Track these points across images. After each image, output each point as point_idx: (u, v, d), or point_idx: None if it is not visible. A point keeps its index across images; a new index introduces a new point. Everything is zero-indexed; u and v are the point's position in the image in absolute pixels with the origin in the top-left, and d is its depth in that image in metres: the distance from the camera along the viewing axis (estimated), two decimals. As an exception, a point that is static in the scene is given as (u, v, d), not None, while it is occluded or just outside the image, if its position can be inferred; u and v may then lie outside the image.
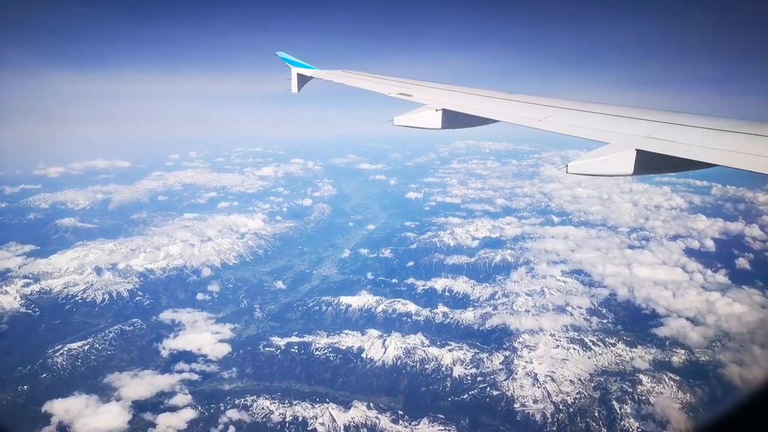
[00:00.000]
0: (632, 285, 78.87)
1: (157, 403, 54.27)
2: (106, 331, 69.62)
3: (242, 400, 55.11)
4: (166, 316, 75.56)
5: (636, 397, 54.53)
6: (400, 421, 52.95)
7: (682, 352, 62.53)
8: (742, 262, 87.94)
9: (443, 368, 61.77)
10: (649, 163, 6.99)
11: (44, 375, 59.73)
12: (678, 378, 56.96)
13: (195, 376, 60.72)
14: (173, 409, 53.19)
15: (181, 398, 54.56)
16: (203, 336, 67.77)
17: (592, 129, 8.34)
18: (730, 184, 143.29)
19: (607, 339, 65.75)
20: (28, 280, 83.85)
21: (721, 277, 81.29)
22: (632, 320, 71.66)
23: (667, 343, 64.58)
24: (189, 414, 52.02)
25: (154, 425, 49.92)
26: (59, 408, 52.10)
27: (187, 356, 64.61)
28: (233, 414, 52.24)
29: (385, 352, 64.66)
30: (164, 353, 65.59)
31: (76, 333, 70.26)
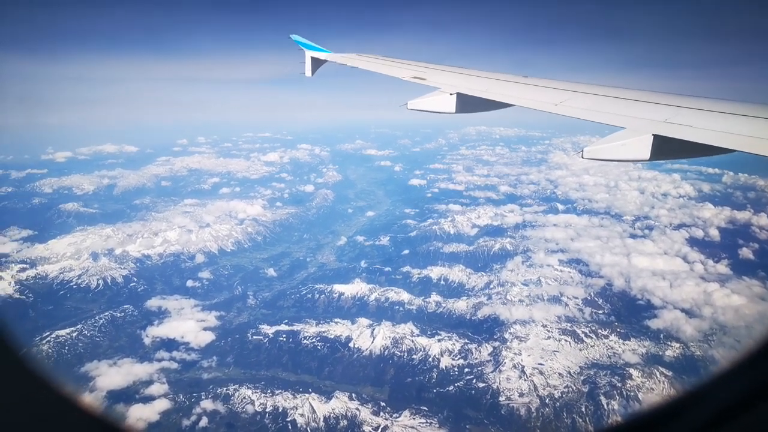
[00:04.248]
0: (629, 275, 76.94)
1: (133, 393, 53.62)
2: (97, 317, 69.46)
3: (224, 389, 54.51)
4: (153, 303, 74.79)
5: (624, 393, 53.13)
6: (381, 413, 52.15)
7: (677, 345, 60.86)
8: (746, 252, 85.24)
9: (430, 359, 60.84)
10: (666, 149, 6.90)
11: (28, 364, 59.34)
12: (670, 373, 55.35)
13: (174, 365, 59.89)
14: (148, 399, 52.36)
15: (158, 388, 53.73)
16: (187, 324, 67.13)
17: (609, 113, 8.26)
18: (742, 172, 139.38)
19: (600, 331, 64.28)
20: (25, 266, 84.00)
21: (723, 268, 78.83)
22: (627, 311, 69.83)
23: (661, 336, 62.87)
24: (163, 405, 51.18)
25: (126, 417, 49.31)
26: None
27: (170, 344, 63.92)
28: (208, 404, 51.40)
29: (373, 342, 63.84)
30: (147, 341, 64.94)
31: (67, 319, 70.06)
